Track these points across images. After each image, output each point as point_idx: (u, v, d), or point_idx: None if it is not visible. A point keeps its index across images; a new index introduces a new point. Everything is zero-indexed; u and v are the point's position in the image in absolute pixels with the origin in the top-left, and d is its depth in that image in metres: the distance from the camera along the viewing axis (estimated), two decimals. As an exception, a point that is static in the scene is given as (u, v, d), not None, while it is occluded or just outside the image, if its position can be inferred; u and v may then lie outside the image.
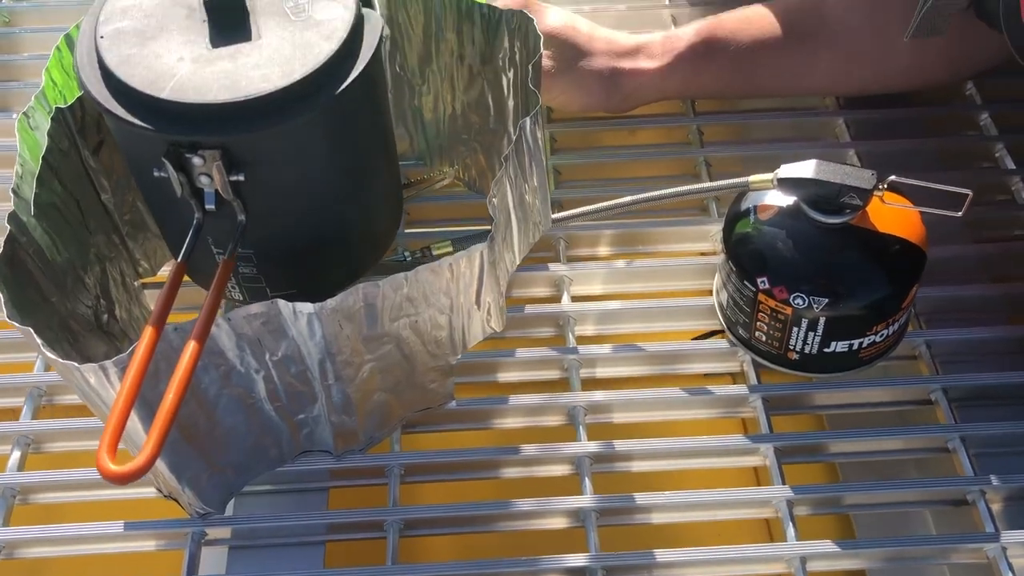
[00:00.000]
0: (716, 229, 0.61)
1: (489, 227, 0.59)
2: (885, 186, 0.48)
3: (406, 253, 0.58)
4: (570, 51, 0.62)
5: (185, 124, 0.37)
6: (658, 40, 0.63)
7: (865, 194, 0.48)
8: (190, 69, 0.37)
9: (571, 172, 0.66)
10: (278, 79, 0.37)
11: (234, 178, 0.38)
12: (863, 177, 0.48)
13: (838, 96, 0.69)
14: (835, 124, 0.68)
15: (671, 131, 0.68)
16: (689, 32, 0.63)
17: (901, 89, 0.67)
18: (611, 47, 0.62)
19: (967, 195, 0.48)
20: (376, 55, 0.40)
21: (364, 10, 0.41)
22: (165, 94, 0.37)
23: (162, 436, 0.33)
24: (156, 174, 0.38)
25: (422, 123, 0.62)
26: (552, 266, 0.60)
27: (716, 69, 0.63)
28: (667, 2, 0.76)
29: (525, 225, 0.50)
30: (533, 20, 0.51)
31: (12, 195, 0.45)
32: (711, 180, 0.64)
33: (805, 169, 0.49)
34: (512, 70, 0.55)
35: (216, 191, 0.39)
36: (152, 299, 0.58)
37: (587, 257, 0.62)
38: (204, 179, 0.38)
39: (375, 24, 0.41)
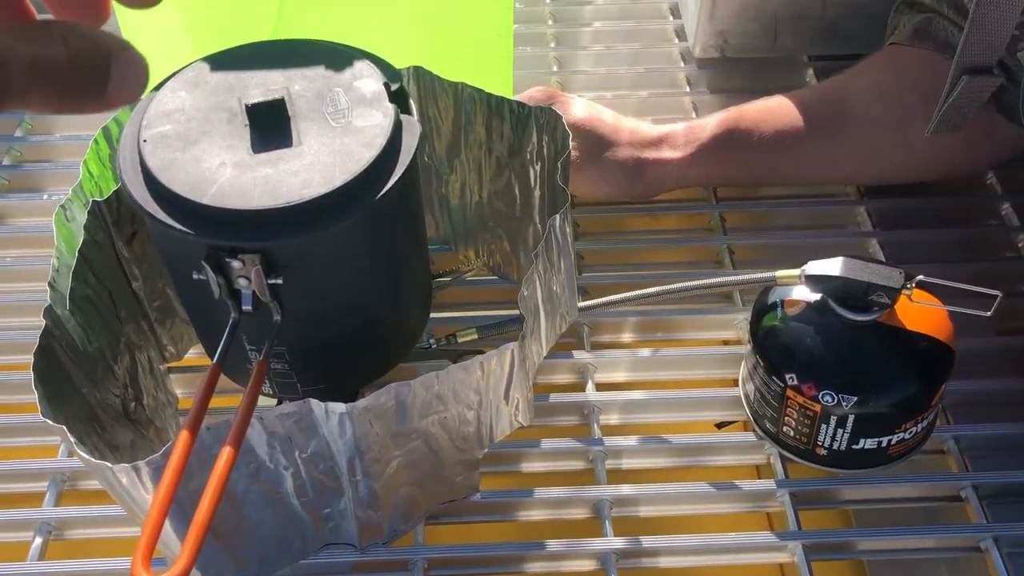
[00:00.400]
0: (741, 317, 0.61)
1: (513, 312, 0.60)
2: (913, 285, 0.49)
3: (431, 340, 0.58)
4: (595, 142, 0.62)
5: (226, 229, 0.37)
6: (681, 130, 0.64)
7: (893, 292, 0.48)
8: (232, 174, 0.38)
9: (594, 257, 0.67)
10: (319, 186, 0.38)
11: (272, 281, 0.38)
12: (891, 276, 0.49)
13: (859, 185, 0.69)
14: (857, 212, 0.68)
15: (693, 217, 0.69)
16: (712, 123, 0.64)
17: (922, 179, 0.67)
18: (635, 137, 0.63)
19: (996, 296, 0.48)
20: (414, 161, 0.40)
21: (402, 116, 0.42)
22: (207, 200, 0.37)
23: (196, 547, 0.33)
24: (195, 276, 0.38)
25: (448, 210, 0.63)
26: (576, 353, 0.60)
27: (738, 159, 0.64)
28: (688, 89, 0.77)
29: (553, 317, 0.51)
30: (562, 117, 0.52)
31: (48, 288, 0.45)
32: (734, 267, 0.65)
33: (832, 267, 0.50)
34: (540, 163, 0.56)
35: (253, 292, 0.39)
36: (178, 383, 0.58)
37: (611, 344, 0.62)
38: (242, 281, 0.39)
39: (413, 129, 0.41)
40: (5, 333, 0.61)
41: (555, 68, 0.79)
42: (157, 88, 0.43)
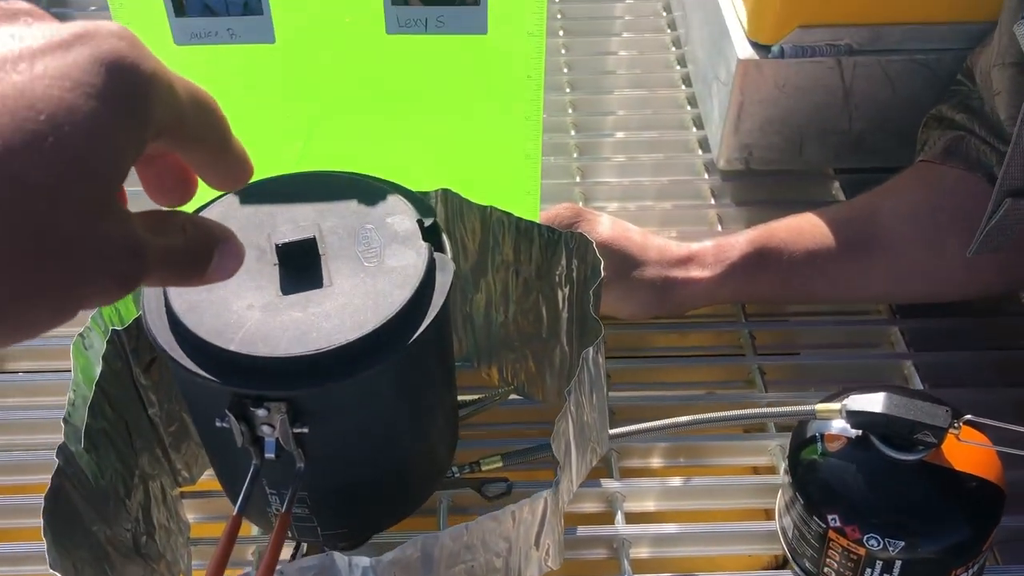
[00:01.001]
0: (774, 444, 0.59)
1: (538, 437, 0.58)
2: (960, 424, 0.47)
3: (454, 468, 0.56)
4: (623, 261, 0.61)
5: (252, 377, 0.36)
6: (710, 248, 0.63)
7: (940, 432, 0.46)
8: (259, 319, 0.37)
9: (621, 375, 0.65)
10: (349, 331, 0.36)
11: (298, 430, 0.37)
12: (936, 414, 0.47)
13: (891, 304, 0.68)
14: (890, 332, 0.66)
15: (722, 335, 0.67)
16: (741, 241, 0.63)
17: (956, 299, 0.66)
18: (663, 256, 0.62)
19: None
20: (447, 302, 0.39)
21: (436, 254, 0.41)
22: (233, 346, 0.36)
23: None
24: (218, 424, 0.37)
25: (473, 327, 0.61)
26: (604, 482, 0.57)
27: (768, 279, 0.63)
28: (712, 201, 0.77)
29: (584, 452, 0.49)
30: (592, 243, 0.51)
31: (63, 423, 0.43)
32: (765, 388, 0.63)
33: (874, 402, 0.48)
34: (569, 286, 0.54)
35: (277, 440, 0.37)
36: (191, 508, 0.56)
37: (640, 470, 0.60)
38: (266, 428, 0.37)
39: (446, 268, 0.40)
40: (17, 453, 0.59)
41: (578, 179, 0.79)
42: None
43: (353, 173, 0.46)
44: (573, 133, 0.83)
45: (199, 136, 0.29)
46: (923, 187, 0.65)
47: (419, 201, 0.44)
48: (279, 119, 0.55)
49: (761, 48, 0.70)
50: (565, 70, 0.89)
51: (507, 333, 0.60)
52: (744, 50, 0.70)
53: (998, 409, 0.50)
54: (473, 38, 0.52)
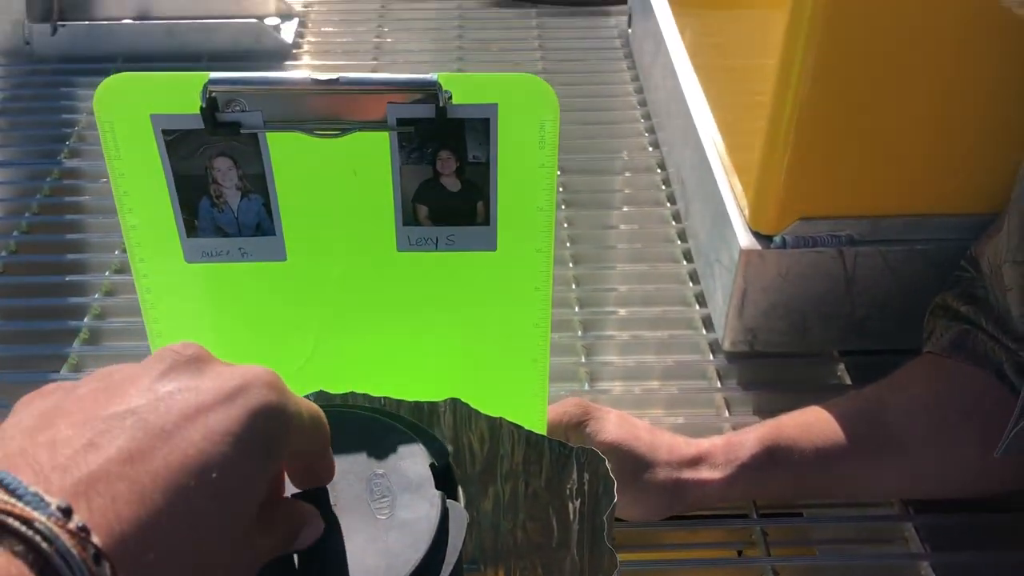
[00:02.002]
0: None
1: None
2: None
3: None
4: (633, 463, 0.60)
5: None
6: (720, 447, 0.62)
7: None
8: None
9: (633, 575, 0.63)
10: (361, 599, 0.35)
11: None
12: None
13: (907, 496, 0.67)
14: (904, 528, 0.65)
15: (733, 532, 0.66)
16: (751, 439, 0.62)
17: (971, 496, 0.65)
18: (672, 456, 0.61)
19: None
20: (460, 558, 0.38)
21: (449, 502, 0.40)
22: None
23: None
24: None
25: (479, 533, 0.60)
26: None
27: (779, 478, 0.62)
28: (719, 384, 0.76)
29: None
30: (604, 460, 0.50)
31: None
32: (780, 592, 0.61)
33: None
34: (579, 499, 0.53)
35: None
36: None
37: None
38: None
39: (460, 520, 0.39)
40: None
41: (583, 358, 0.79)
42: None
43: (364, 409, 0.46)
44: (577, 309, 0.84)
45: (310, 448, 0.36)
46: (931, 382, 0.64)
47: (431, 440, 0.43)
48: (287, 331, 0.55)
49: (763, 238, 0.71)
50: (568, 244, 0.90)
51: (515, 540, 0.59)
52: (746, 239, 0.72)
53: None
54: (482, 254, 0.52)
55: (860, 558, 0.64)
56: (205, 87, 0.46)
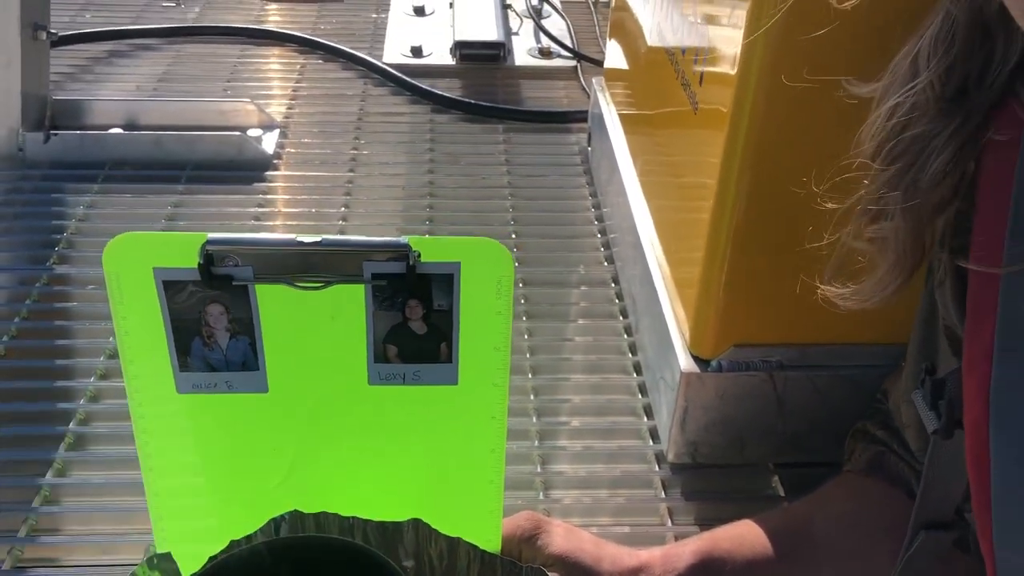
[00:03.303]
0: None
1: None
2: None
3: None
4: (578, 572, 0.66)
5: None
6: (658, 558, 0.68)
7: None
8: None
9: None
10: None
11: None
12: None
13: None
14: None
15: (673, 636, 0.71)
16: (687, 552, 0.68)
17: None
18: (615, 567, 0.67)
19: None
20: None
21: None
22: None
23: None
24: None
25: (438, 639, 0.65)
26: None
27: (713, 588, 0.68)
28: (663, 494, 0.83)
29: None
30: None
31: None
32: None
33: None
34: (528, 610, 0.59)
35: None
36: None
37: None
38: None
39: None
40: None
41: (539, 467, 0.85)
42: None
43: (331, 537, 0.51)
44: (534, 419, 0.90)
45: None
46: (851, 498, 0.71)
47: (391, 569, 0.49)
48: (266, 455, 0.61)
49: (702, 361, 0.79)
50: (528, 354, 0.97)
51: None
52: (686, 362, 0.79)
53: None
54: (445, 388, 0.59)
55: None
56: (203, 246, 0.53)
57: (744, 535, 0.70)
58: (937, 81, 0.51)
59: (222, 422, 0.60)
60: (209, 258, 0.53)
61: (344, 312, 0.56)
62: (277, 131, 1.33)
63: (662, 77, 0.91)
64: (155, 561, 0.57)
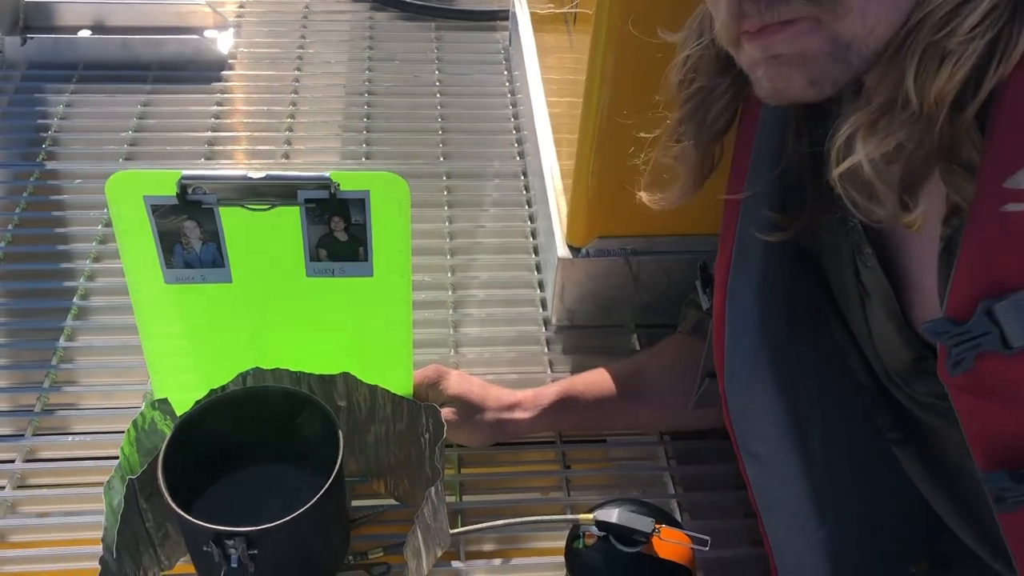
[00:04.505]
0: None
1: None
2: (660, 529, 0.76)
3: (349, 557, 0.83)
4: (468, 408, 0.90)
5: (225, 525, 0.63)
6: (530, 396, 0.92)
7: (647, 535, 0.76)
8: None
9: (474, 484, 0.93)
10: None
11: (251, 551, 0.64)
12: (646, 523, 0.76)
13: (658, 431, 0.98)
14: (658, 451, 0.96)
15: (545, 452, 0.96)
16: (552, 391, 0.92)
17: (698, 428, 0.96)
18: (497, 403, 0.91)
19: (707, 539, 0.75)
20: (340, 472, 0.67)
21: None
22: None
23: None
24: (204, 548, 0.64)
25: (366, 455, 0.89)
26: (454, 563, 0.86)
27: (570, 417, 0.92)
28: (547, 349, 1.06)
29: (431, 548, 0.77)
30: (440, 412, 0.79)
31: (101, 543, 0.70)
32: (569, 494, 0.92)
33: (611, 515, 0.77)
34: (427, 434, 0.83)
35: (239, 557, 0.65)
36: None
37: (480, 553, 0.88)
38: (232, 550, 0.64)
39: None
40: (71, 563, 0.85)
41: (452, 331, 1.08)
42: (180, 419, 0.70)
43: (285, 388, 0.74)
44: (450, 292, 1.12)
45: None
46: (676, 353, 0.95)
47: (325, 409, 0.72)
48: (233, 328, 0.83)
49: (575, 249, 1.00)
50: (448, 239, 1.18)
51: (390, 461, 0.88)
52: (563, 250, 1.01)
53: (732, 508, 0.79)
54: (363, 279, 0.80)
55: (630, 469, 0.95)
56: (179, 180, 0.72)
57: (595, 379, 0.94)
58: (715, 42, 0.65)
59: (199, 303, 0.82)
60: (184, 188, 0.73)
61: (286, 225, 0.77)
62: (231, 31, 1.48)
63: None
64: (155, 404, 0.79)
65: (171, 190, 0.73)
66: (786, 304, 0.78)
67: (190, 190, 0.73)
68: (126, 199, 0.74)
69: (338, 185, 0.74)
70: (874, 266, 0.69)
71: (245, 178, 0.74)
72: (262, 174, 0.74)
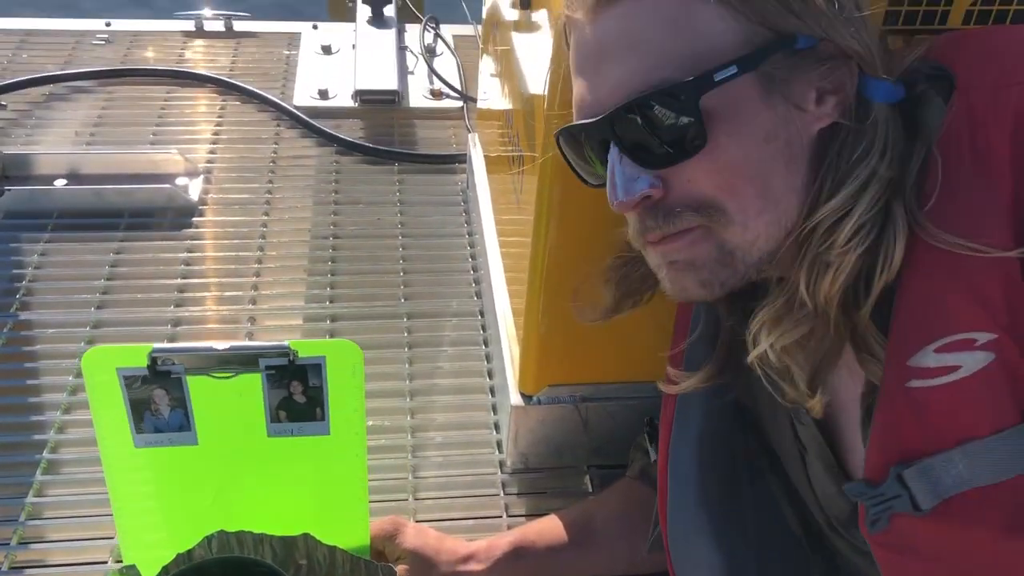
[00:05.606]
0: None
1: None
2: None
3: None
4: (423, 562, 0.93)
5: None
6: (484, 548, 0.96)
7: None
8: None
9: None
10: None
11: None
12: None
13: None
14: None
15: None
16: (504, 542, 0.96)
17: (651, 573, 1.00)
18: (452, 556, 0.94)
19: None
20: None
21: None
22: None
23: None
24: None
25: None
26: None
27: (523, 567, 0.96)
28: (502, 493, 1.10)
29: None
30: (395, 572, 0.83)
31: None
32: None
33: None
34: (384, 589, 0.86)
35: None
36: None
37: None
38: None
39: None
40: None
41: (411, 476, 1.11)
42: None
43: (248, 559, 0.78)
44: (409, 436, 1.16)
45: None
46: (623, 499, 0.99)
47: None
48: (197, 488, 0.86)
49: (527, 396, 1.06)
50: (408, 380, 1.23)
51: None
52: (516, 398, 1.06)
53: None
54: (320, 437, 0.85)
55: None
56: (150, 353, 0.77)
57: (546, 528, 0.98)
58: None
59: (167, 465, 0.86)
60: (155, 360, 0.78)
61: (248, 391, 0.82)
62: (201, 177, 1.55)
63: (503, 136, 1.16)
64: (123, 571, 0.82)
65: (142, 362, 0.78)
66: (724, 460, 0.84)
67: (160, 362, 0.78)
68: (100, 371, 0.79)
69: (296, 352, 0.80)
70: (809, 423, 0.75)
71: (211, 350, 0.79)
72: (226, 345, 0.79)
